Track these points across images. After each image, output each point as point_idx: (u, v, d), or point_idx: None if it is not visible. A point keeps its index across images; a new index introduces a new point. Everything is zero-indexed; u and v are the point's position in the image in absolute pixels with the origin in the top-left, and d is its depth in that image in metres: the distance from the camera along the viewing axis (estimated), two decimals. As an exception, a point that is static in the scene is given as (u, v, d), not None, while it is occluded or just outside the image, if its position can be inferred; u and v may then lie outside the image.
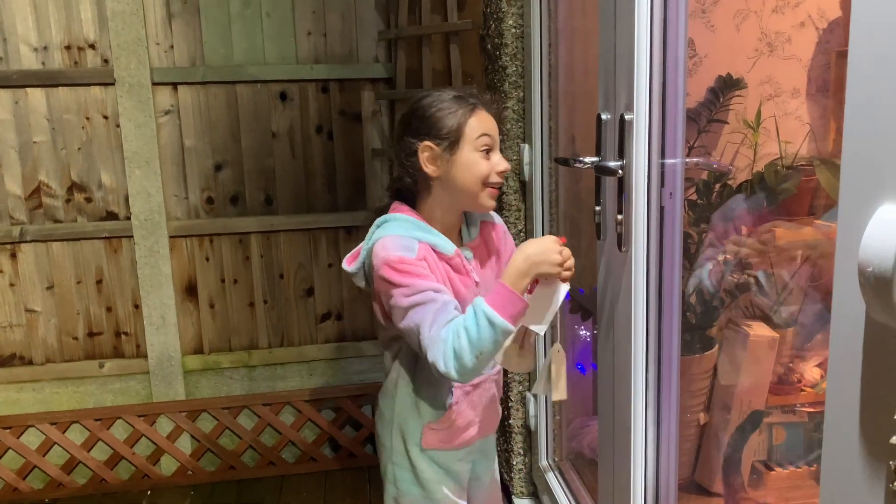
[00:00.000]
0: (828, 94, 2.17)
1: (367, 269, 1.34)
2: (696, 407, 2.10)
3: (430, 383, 1.36)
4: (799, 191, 1.98)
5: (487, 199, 1.34)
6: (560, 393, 1.38)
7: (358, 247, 1.38)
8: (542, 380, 1.39)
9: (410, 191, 1.36)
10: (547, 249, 1.24)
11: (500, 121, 1.40)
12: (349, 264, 1.37)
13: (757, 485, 2.12)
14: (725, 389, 2.08)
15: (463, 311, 1.27)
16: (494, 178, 1.32)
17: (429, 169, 1.31)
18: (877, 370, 0.67)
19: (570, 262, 1.27)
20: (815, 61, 2.16)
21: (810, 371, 2.14)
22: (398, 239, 1.27)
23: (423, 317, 1.21)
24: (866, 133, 0.66)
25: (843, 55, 2.10)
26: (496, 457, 1.63)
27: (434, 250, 1.30)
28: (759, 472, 2.11)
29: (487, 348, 1.19)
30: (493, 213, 1.49)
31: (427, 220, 1.34)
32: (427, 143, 1.30)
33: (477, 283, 1.38)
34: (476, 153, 1.30)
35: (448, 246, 1.32)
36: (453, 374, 1.20)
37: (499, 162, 1.33)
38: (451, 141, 1.29)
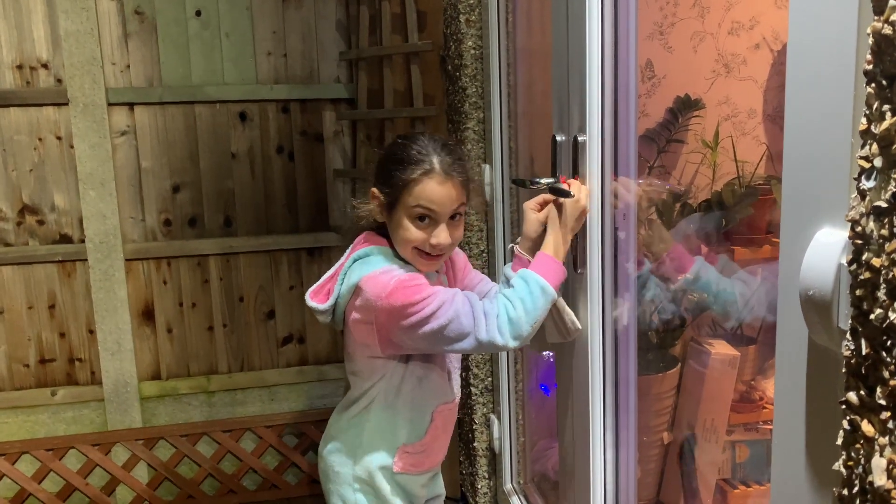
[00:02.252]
0: (783, 115, 2.20)
1: (342, 307, 1.31)
2: (659, 426, 2.09)
3: (412, 406, 1.36)
4: (756, 210, 2.00)
5: (419, 263, 1.30)
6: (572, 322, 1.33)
7: (323, 281, 1.35)
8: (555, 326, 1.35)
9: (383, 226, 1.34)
10: (572, 210, 1.23)
11: (469, 186, 1.32)
12: (318, 301, 1.33)
13: (721, 503, 2.12)
14: (688, 408, 2.08)
15: None
16: (424, 247, 1.28)
17: (378, 216, 1.31)
18: (820, 394, 0.66)
19: (585, 193, 1.24)
20: (770, 82, 2.20)
21: (772, 388, 2.15)
22: (388, 267, 1.27)
23: (456, 310, 1.22)
24: (805, 158, 0.66)
25: (796, 77, 2.13)
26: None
27: None
28: (722, 491, 2.11)
29: (541, 316, 1.24)
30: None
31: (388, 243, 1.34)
32: (375, 189, 1.30)
33: None
34: (407, 220, 1.26)
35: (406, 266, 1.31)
36: (512, 342, 1.22)
37: (437, 234, 1.26)
38: (392, 199, 1.27)
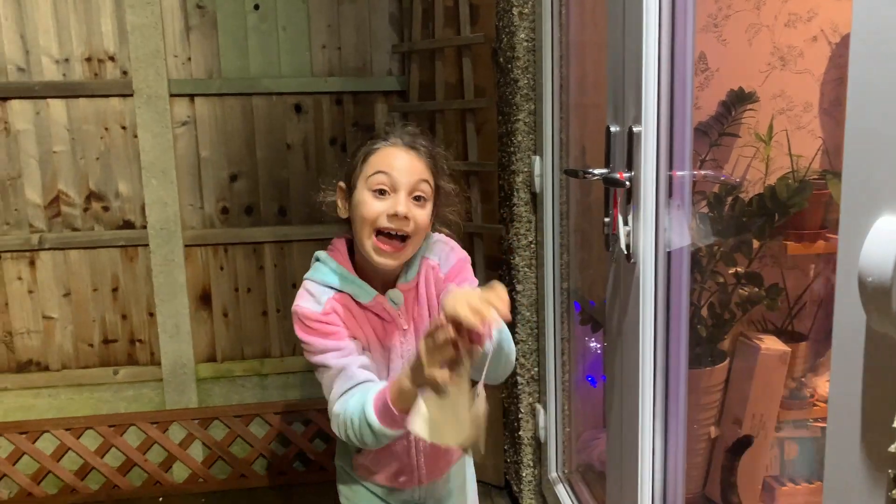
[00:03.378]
0: (840, 109, 2.17)
1: None
2: (706, 420, 2.09)
3: None
4: (810, 204, 1.97)
5: (376, 255, 1.17)
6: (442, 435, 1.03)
7: None
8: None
9: None
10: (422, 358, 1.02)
11: (437, 169, 1.22)
12: None
13: (768, 500, 2.10)
14: (736, 403, 2.07)
15: (387, 361, 1.26)
16: (384, 223, 1.16)
17: (340, 210, 1.25)
18: (877, 379, 0.67)
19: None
20: (827, 75, 2.16)
21: (823, 385, 2.12)
22: (312, 287, 1.23)
23: (324, 382, 1.23)
24: (866, 145, 0.67)
25: (855, 69, 2.09)
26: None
27: (353, 299, 1.23)
28: (770, 488, 2.10)
29: (372, 442, 1.16)
30: (440, 250, 1.31)
31: (357, 262, 1.26)
32: (341, 183, 1.25)
33: (405, 330, 1.28)
34: (366, 192, 1.17)
35: (365, 294, 1.23)
36: (354, 445, 1.21)
37: (395, 204, 1.15)
38: (352, 179, 1.20)
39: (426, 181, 1.20)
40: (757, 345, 2.03)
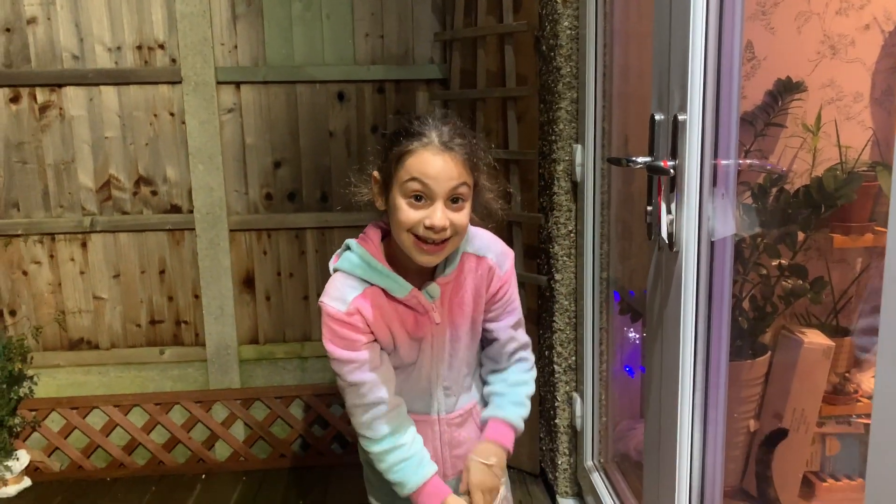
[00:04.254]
0: (893, 98, 2.11)
1: None
2: (746, 413, 2.07)
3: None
4: (859, 197, 1.93)
5: (417, 253, 1.17)
6: None
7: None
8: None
9: None
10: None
11: (475, 166, 1.18)
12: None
13: (808, 496, 2.08)
14: (777, 397, 2.04)
15: (416, 352, 1.28)
16: (421, 231, 1.14)
17: (377, 202, 1.21)
18: (925, 371, 0.67)
19: None
20: (879, 65, 2.11)
21: (868, 381, 2.08)
22: (340, 282, 1.21)
23: (342, 389, 1.26)
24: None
25: (910, 58, 2.04)
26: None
27: (385, 293, 1.22)
28: (810, 483, 2.07)
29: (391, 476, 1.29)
30: (490, 247, 1.32)
31: (391, 252, 1.23)
32: (375, 173, 1.20)
33: (437, 323, 1.28)
34: (401, 199, 1.14)
35: (400, 289, 1.22)
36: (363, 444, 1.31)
37: (431, 214, 1.13)
38: (386, 175, 1.18)
39: (464, 183, 1.15)
40: (800, 338, 2.01)
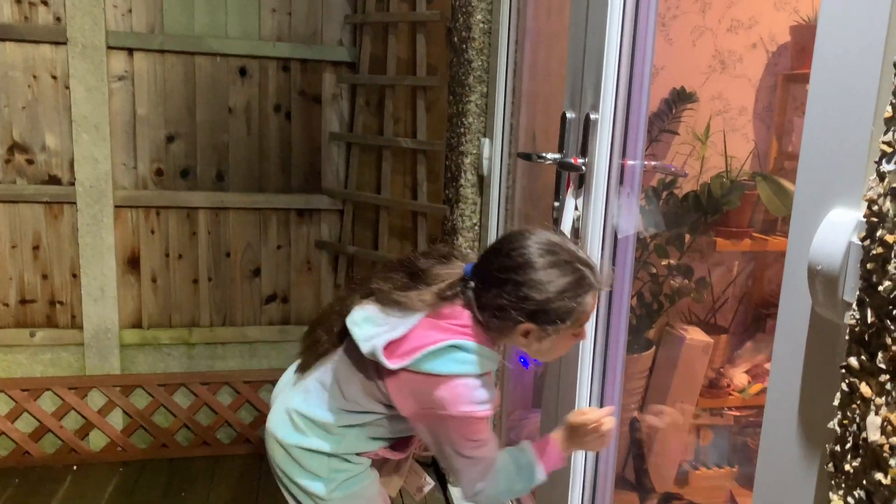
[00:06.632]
0: (772, 114, 2.28)
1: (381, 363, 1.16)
2: (630, 405, 2.17)
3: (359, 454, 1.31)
4: (741, 204, 2.07)
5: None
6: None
7: (405, 338, 1.16)
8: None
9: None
10: (593, 439, 1.23)
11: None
12: (391, 360, 1.15)
13: (683, 483, 2.21)
14: (659, 390, 2.16)
15: None
16: None
17: (520, 342, 1.17)
18: (818, 360, 0.72)
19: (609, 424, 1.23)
20: (763, 82, 2.27)
21: (739, 376, 2.24)
22: (477, 387, 1.15)
23: (474, 468, 1.20)
24: (822, 141, 0.71)
25: (789, 78, 2.20)
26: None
27: None
28: (685, 472, 2.21)
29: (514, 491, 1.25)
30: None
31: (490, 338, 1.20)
32: (530, 325, 1.13)
33: None
34: (570, 338, 1.17)
35: (495, 363, 1.22)
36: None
37: (582, 332, 1.18)
38: (555, 327, 1.13)
39: None
40: (682, 335, 2.13)
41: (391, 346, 1.15)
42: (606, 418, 1.21)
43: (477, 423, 1.16)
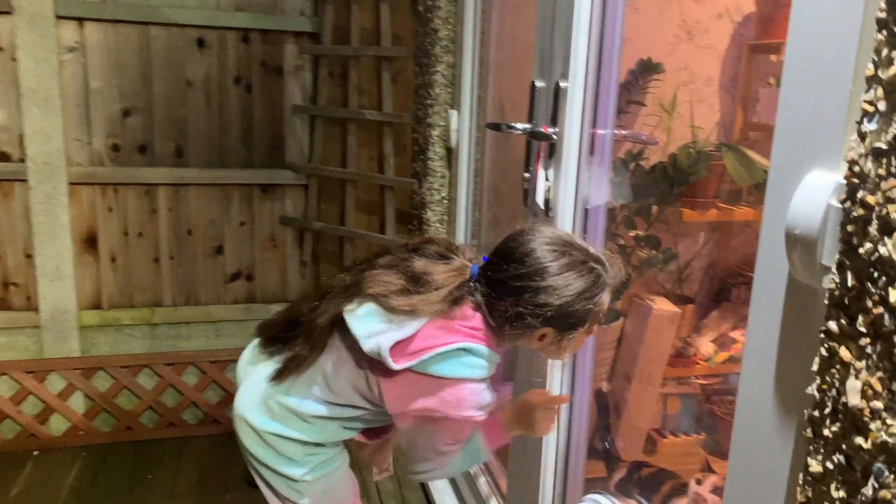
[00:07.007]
0: (737, 85, 2.28)
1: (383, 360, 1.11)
2: (599, 376, 2.19)
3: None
4: (707, 174, 2.08)
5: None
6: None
7: (413, 339, 1.10)
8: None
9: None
10: (542, 415, 1.25)
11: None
12: (397, 361, 1.09)
13: (651, 452, 2.24)
14: (627, 360, 2.18)
15: None
16: None
17: (534, 345, 1.15)
18: (795, 325, 0.72)
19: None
20: (728, 52, 2.27)
21: (706, 346, 2.27)
22: (482, 391, 1.13)
23: (436, 457, 1.20)
24: (799, 102, 0.70)
25: (755, 49, 2.21)
26: None
27: None
28: (653, 440, 2.24)
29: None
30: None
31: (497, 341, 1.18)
32: (547, 330, 1.10)
33: None
34: (585, 335, 1.14)
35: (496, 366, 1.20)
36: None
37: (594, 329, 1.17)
38: (574, 330, 1.11)
39: None
40: (649, 305, 2.14)
41: (398, 346, 1.09)
42: (560, 404, 1.23)
43: (471, 425, 1.16)
